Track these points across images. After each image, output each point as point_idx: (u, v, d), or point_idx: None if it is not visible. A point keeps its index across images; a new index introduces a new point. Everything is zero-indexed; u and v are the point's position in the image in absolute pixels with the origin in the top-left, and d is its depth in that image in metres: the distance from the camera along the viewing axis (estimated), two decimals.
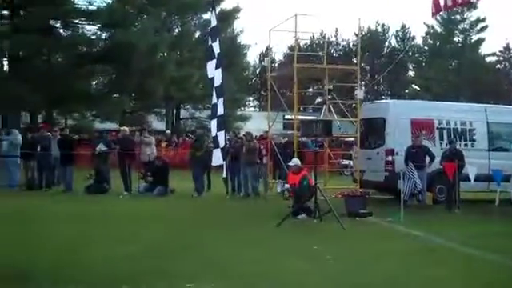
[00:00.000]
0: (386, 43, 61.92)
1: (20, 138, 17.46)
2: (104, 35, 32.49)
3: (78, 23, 31.62)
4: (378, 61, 59.72)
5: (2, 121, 27.64)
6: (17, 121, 28.20)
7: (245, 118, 38.80)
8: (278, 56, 53.46)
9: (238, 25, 42.96)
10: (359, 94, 17.28)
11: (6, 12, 30.92)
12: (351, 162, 20.37)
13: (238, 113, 40.18)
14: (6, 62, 32.33)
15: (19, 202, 13.94)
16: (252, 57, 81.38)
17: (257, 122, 34.01)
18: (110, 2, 31.92)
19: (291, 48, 43.89)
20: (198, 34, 39.70)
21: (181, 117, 41.00)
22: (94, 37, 32.22)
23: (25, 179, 17.10)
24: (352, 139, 19.57)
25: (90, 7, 31.24)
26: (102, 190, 15.92)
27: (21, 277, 6.45)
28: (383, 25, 61.67)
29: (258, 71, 60.24)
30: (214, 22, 16.44)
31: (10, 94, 26.38)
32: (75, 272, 6.69)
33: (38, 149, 16.87)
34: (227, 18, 37.66)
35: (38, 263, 7.08)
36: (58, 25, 32.00)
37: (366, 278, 6.76)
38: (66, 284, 6.12)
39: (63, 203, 13.91)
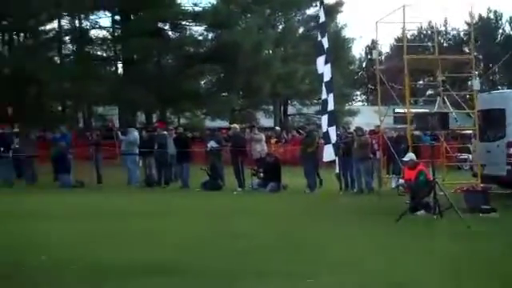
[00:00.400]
0: (500, 31, 58.95)
1: (137, 136, 18.17)
2: (210, 35, 33.34)
3: (185, 25, 32.68)
4: (492, 49, 56.89)
5: (119, 121, 29.04)
6: (133, 120, 29.60)
7: (353, 113, 38.49)
8: (385, 48, 52.41)
9: (341, 18, 42.61)
10: (475, 84, 16.54)
11: (118, 17, 32.53)
12: (470, 156, 19.52)
13: (346, 107, 39.88)
14: (120, 66, 34.12)
15: (140, 197, 14.58)
16: (357, 50, 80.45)
17: (365, 116, 33.54)
18: (215, 2, 32.66)
19: (398, 40, 42.86)
20: (301, 29, 39.74)
21: (288, 113, 41.22)
22: (200, 37, 33.18)
23: (144, 176, 17.82)
24: (470, 132, 18.73)
25: (196, 8, 32.19)
26: (217, 186, 16.30)
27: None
28: (495, 11, 58.98)
29: (363, 65, 59.36)
30: (322, 18, 16.40)
31: (126, 96, 27.76)
32: (186, 266, 6.78)
33: (156, 147, 17.51)
34: (331, 12, 37.23)
35: (144, 257, 7.25)
36: (166, 27, 33.19)
37: (493, 280, 6.34)
38: (184, 277, 6.29)
39: (181, 199, 14.43)
